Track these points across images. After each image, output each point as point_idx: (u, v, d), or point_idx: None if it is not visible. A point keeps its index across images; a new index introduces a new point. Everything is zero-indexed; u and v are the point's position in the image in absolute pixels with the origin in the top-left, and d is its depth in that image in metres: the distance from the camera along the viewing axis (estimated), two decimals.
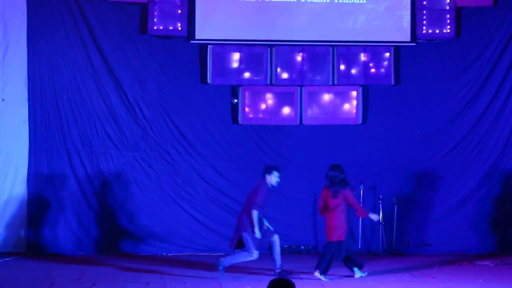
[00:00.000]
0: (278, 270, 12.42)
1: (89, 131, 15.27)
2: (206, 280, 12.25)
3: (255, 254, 12.09)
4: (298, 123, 15.60)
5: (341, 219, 12.39)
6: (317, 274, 12.34)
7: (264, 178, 12.53)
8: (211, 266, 13.50)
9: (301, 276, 12.53)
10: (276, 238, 12.43)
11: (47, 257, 14.53)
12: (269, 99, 15.67)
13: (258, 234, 12.15)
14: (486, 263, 14.11)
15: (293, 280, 6.37)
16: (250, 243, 12.19)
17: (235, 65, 15.62)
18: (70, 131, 15.23)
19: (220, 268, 12.25)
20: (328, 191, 12.48)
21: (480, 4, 15.75)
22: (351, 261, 12.55)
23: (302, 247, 15.36)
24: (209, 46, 15.45)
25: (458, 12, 15.79)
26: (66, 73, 15.25)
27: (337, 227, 12.37)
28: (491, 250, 15.29)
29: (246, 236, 12.24)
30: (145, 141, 15.39)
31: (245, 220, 12.32)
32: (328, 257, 12.36)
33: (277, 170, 12.59)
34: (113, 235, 15.18)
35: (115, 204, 15.24)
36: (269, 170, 12.55)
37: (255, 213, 12.23)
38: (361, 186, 14.86)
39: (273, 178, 12.51)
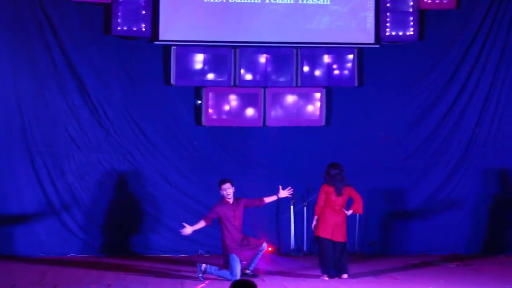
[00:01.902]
0: (248, 271, 12.52)
1: (51, 132, 15.16)
2: (168, 281, 12.22)
3: (236, 279, 12.02)
4: (261, 124, 15.61)
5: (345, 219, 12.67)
6: (345, 276, 12.42)
7: None
8: (173, 267, 13.53)
9: (264, 278, 12.56)
10: (262, 246, 12.54)
11: (8, 259, 14.37)
12: (233, 100, 15.68)
13: (187, 231, 12.47)
14: (448, 264, 14.22)
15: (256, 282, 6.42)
16: (234, 266, 12.23)
17: (198, 66, 15.61)
18: (33, 132, 15.11)
19: (200, 275, 12.23)
20: (332, 189, 12.48)
21: (443, 7, 15.87)
22: None
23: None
24: (172, 47, 15.44)
25: (422, 15, 15.91)
26: (29, 74, 15.11)
27: (345, 227, 12.57)
28: (452, 251, 15.40)
29: (231, 258, 12.28)
30: (108, 142, 15.31)
31: (224, 242, 12.43)
32: (347, 257, 12.58)
33: (224, 182, 12.56)
34: (76, 237, 15.08)
35: (77, 206, 15.15)
36: (218, 186, 12.61)
37: (201, 222, 12.54)
38: None
39: (223, 192, 12.53)
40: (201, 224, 12.55)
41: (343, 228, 12.51)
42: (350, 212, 12.65)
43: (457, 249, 15.44)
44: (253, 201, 12.81)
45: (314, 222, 12.59)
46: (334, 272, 12.40)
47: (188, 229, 12.52)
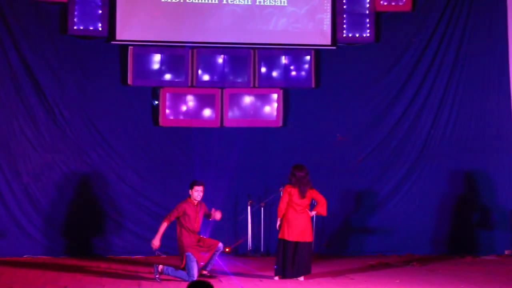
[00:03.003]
0: (205, 272, 12.50)
1: (6, 132, 14.99)
2: (125, 282, 12.17)
3: (193, 278, 12.00)
4: (219, 125, 15.62)
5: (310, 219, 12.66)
6: (301, 279, 12.41)
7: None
8: (130, 268, 13.47)
9: (221, 279, 12.56)
10: (219, 246, 12.51)
11: None
12: (190, 101, 15.66)
13: (155, 243, 12.30)
14: (403, 264, 14.33)
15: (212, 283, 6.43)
16: (191, 267, 12.19)
17: (156, 66, 15.57)
18: None
19: (156, 276, 12.16)
20: (295, 190, 12.49)
21: (399, 9, 16.03)
22: None
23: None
24: (129, 47, 15.38)
25: (378, 17, 16.06)
26: None
27: (310, 227, 12.59)
28: (408, 251, 15.53)
29: (187, 258, 12.22)
30: (64, 143, 15.17)
31: (181, 242, 12.35)
32: (311, 257, 12.55)
33: (199, 184, 12.48)
34: (31, 238, 14.93)
35: (33, 206, 14.99)
36: (190, 186, 12.51)
37: (163, 224, 12.35)
38: (281, 188, 14.94)
39: (194, 193, 12.47)
40: (164, 227, 12.41)
41: (307, 228, 12.53)
42: (313, 213, 12.72)
43: (413, 249, 15.55)
44: (206, 210, 12.77)
45: (278, 223, 12.61)
46: (291, 273, 12.41)
47: (156, 241, 12.39)
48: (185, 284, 8.13)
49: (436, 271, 13.61)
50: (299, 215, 12.48)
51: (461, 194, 15.92)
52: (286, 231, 12.45)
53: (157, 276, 12.16)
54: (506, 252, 15.68)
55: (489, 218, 15.89)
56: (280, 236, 12.55)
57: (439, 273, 13.40)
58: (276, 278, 12.46)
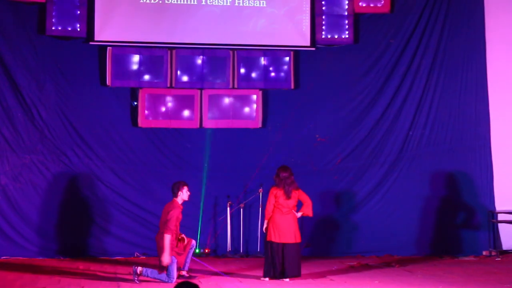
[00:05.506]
0: (184, 273, 12.47)
1: None
2: (104, 284, 12.12)
3: (173, 282, 11.96)
4: (198, 126, 15.59)
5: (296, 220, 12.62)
6: (287, 280, 12.40)
7: (175, 197, 12.39)
8: (109, 269, 13.43)
9: (200, 280, 12.53)
10: (192, 243, 12.48)
11: None
12: (169, 102, 15.63)
13: (167, 259, 12.06)
14: (383, 265, 14.37)
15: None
16: (172, 269, 12.14)
17: (134, 67, 15.52)
18: None
19: (135, 278, 12.10)
20: (281, 192, 12.48)
21: (377, 11, 16.10)
22: None
23: (201, 250, 15.35)
24: (108, 47, 15.32)
25: (356, 18, 16.10)
26: None
27: (297, 228, 12.56)
28: (387, 252, 15.57)
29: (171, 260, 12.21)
30: (42, 144, 15.09)
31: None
32: (299, 259, 12.54)
33: (186, 184, 12.41)
34: (9, 239, 14.82)
35: (11, 208, 14.89)
36: (179, 187, 12.35)
37: (167, 238, 12.10)
38: (260, 189, 14.97)
39: (185, 194, 12.38)
40: (168, 239, 12.13)
41: (293, 230, 12.50)
42: (300, 214, 12.69)
43: (393, 250, 15.60)
44: None
45: (265, 225, 12.59)
46: (279, 274, 12.39)
47: (166, 258, 12.08)
48: (164, 285, 8.14)
49: (415, 271, 13.65)
50: (285, 217, 12.47)
51: (440, 194, 15.98)
52: (273, 233, 12.43)
53: (136, 278, 12.12)
54: (484, 253, 15.77)
55: (468, 219, 15.94)
56: (267, 238, 12.53)
57: (418, 273, 13.44)
58: (267, 279, 12.43)
